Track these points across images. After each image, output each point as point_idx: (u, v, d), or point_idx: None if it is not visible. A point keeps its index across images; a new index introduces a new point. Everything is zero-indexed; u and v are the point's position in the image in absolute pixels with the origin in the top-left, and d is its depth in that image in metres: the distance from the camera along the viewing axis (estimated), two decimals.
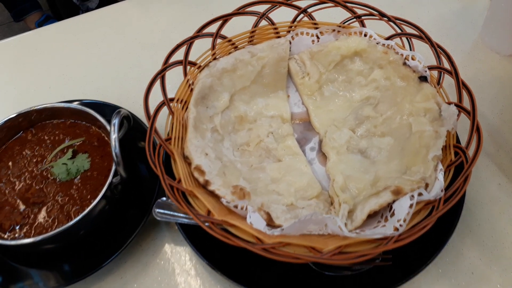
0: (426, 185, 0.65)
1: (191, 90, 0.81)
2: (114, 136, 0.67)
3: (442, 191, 0.62)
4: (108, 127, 0.77)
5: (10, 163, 0.80)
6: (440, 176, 0.64)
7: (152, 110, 0.71)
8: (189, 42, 0.81)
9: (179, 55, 0.79)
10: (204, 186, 0.70)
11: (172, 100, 0.77)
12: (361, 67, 0.85)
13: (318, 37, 0.88)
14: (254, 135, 0.83)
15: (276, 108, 0.87)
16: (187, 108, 0.79)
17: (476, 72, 0.87)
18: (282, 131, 0.83)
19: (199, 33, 0.82)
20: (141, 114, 0.82)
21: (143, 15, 1.18)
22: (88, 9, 1.64)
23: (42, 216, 0.73)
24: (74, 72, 1.05)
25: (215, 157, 0.74)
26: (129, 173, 0.71)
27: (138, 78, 1.03)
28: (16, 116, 0.81)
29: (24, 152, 0.81)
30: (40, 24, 1.95)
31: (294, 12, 0.88)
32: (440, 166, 0.66)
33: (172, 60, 0.78)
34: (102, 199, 0.70)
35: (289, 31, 0.89)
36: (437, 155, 0.67)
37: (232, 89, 0.84)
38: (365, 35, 0.85)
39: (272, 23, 0.88)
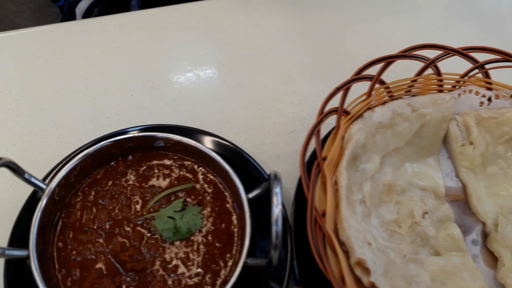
0: None
1: (341, 146, 0.63)
2: (277, 211, 0.48)
3: None
4: (236, 180, 0.59)
5: (97, 203, 0.61)
6: None
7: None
8: (346, 87, 0.63)
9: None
10: None
11: (324, 159, 0.60)
12: None
13: (489, 99, 0.71)
14: (404, 212, 0.66)
15: (428, 178, 0.70)
16: (335, 169, 0.62)
17: None
18: (439, 212, 0.67)
19: (358, 76, 0.65)
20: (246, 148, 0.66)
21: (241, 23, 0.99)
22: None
23: None
24: (161, 82, 0.86)
25: (377, 247, 0.57)
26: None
27: (243, 103, 0.84)
28: (109, 144, 0.62)
29: (115, 190, 0.62)
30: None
31: (465, 64, 0.71)
32: None
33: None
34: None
35: (454, 86, 0.72)
36: None
37: (384, 149, 0.67)
38: None
39: (439, 73, 0.71)
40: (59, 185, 0.58)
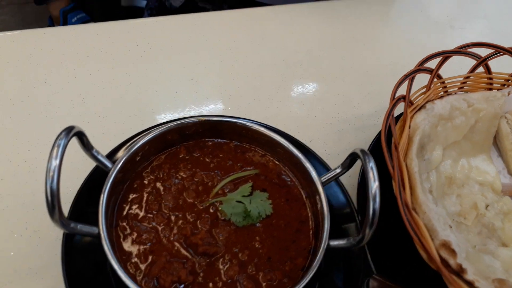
0: None
1: (408, 135, 0.63)
2: (375, 186, 0.47)
3: None
4: (307, 165, 0.58)
5: (160, 187, 0.58)
6: None
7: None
8: (412, 76, 0.64)
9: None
10: (458, 272, 0.51)
11: (396, 146, 0.59)
12: None
13: None
14: (467, 205, 0.65)
15: (484, 174, 0.70)
16: (405, 156, 0.61)
17: None
18: (502, 206, 0.66)
19: (420, 67, 0.66)
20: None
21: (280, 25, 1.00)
22: (171, 6, 1.45)
23: (215, 275, 0.51)
24: (204, 81, 0.85)
25: (456, 231, 0.56)
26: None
27: (285, 99, 0.84)
28: (168, 128, 0.60)
29: (178, 175, 0.60)
30: (65, 13, 1.72)
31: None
32: None
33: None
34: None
35: (503, 85, 0.74)
36: None
37: (445, 142, 0.67)
38: None
39: (489, 71, 0.73)
40: (123, 165, 0.55)
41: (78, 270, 0.53)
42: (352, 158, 0.54)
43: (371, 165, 0.48)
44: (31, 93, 0.77)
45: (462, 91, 0.72)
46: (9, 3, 2.99)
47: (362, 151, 0.51)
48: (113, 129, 0.74)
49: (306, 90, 0.86)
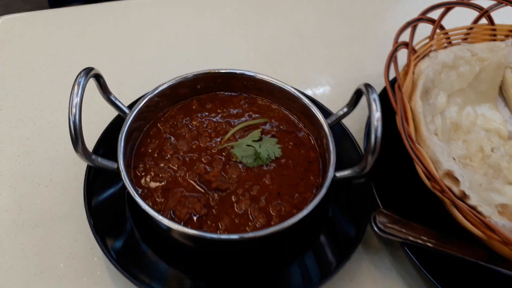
0: None
1: (412, 81, 0.65)
2: (378, 115, 0.49)
3: None
4: (313, 109, 0.61)
5: (178, 135, 0.61)
6: None
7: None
8: (414, 24, 0.66)
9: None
10: (461, 199, 0.53)
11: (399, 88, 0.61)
12: None
13: None
14: (473, 149, 0.66)
15: (491, 121, 0.71)
16: (409, 99, 0.63)
17: None
18: (509, 148, 0.67)
19: (422, 16, 0.68)
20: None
21: None
22: None
23: (228, 207, 0.54)
24: (216, 48, 0.89)
25: (461, 165, 0.58)
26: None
27: (295, 61, 0.87)
28: (182, 79, 0.63)
29: (192, 124, 0.63)
30: None
31: None
32: None
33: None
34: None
35: (507, 36, 0.75)
36: None
37: (450, 89, 0.69)
38: None
39: (492, 23, 0.74)
40: (140, 112, 0.59)
41: (99, 212, 0.56)
42: (357, 95, 0.56)
43: (374, 96, 0.50)
44: (52, 64, 0.82)
45: (465, 43, 0.74)
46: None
47: (366, 84, 0.53)
48: (130, 93, 0.78)
49: (316, 56, 0.89)
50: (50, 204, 0.63)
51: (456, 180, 0.53)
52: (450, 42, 0.72)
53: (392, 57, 0.59)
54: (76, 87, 0.48)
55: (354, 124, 0.71)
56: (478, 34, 0.74)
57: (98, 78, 0.54)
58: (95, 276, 0.56)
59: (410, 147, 0.51)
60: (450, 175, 0.54)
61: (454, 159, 0.56)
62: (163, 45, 0.88)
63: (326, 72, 0.86)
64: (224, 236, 0.48)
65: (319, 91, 0.81)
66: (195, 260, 0.54)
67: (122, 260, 0.52)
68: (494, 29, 0.75)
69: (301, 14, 1.00)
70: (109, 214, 0.57)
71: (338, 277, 0.58)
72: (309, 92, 0.80)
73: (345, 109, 0.59)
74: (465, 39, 0.74)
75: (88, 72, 0.50)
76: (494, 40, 0.75)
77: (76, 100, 0.48)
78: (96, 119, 0.70)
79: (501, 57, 0.73)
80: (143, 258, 0.53)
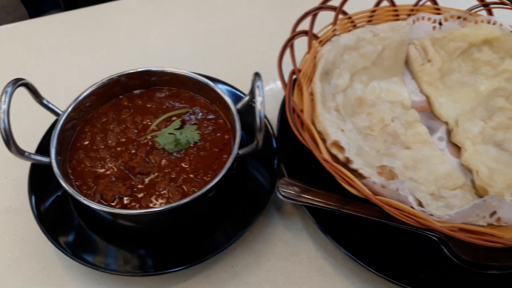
0: None
1: (313, 64, 0.73)
2: (260, 99, 0.57)
3: None
4: (225, 97, 0.69)
5: (107, 130, 0.70)
6: None
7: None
8: (313, 13, 0.74)
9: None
10: (345, 164, 0.61)
11: (299, 71, 0.69)
12: (490, 56, 0.79)
13: (440, 23, 0.82)
14: (376, 120, 0.75)
15: (395, 94, 0.79)
16: (309, 81, 0.71)
17: None
18: (407, 117, 0.76)
19: (323, 5, 0.76)
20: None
21: None
22: None
23: (149, 188, 0.63)
24: (157, 48, 0.97)
25: (349, 137, 0.66)
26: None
27: (231, 54, 0.95)
28: (112, 79, 0.71)
29: (120, 119, 0.72)
30: None
31: None
32: None
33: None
34: (224, 175, 0.61)
35: (409, 15, 0.83)
36: None
37: (353, 68, 0.77)
38: (494, 24, 0.79)
39: (393, 4, 0.82)
40: (72, 111, 0.67)
41: (42, 202, 0.65)
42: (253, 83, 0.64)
43: (258, 83, 0.59)
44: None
45: (370, 25, 0.81)
46: (10, 23, 3.21)
47: (255, 73, 0.61)
48: None
49: (246, 49, 0.97)
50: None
51: (341, 148, 0.62)
52: (355, 26, 0.80)
53: (288, 45, 0.67)
54: (3, 95, 0.57)
55: (276, 106, 0.79)
56: (382, 16, 0.82)
57: (28, 87, 0.62)
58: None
59: (294, 126, 0.59)
60: (336, 144, 0.62)
61: (342, 130, 0.65)
62: (106, 49, 0.97)
63: (253, 63, 0.93)
64: (134, 211, 0.57)
65: (245, 80, 0.89)
66: (125, 233, 0.64)
67: (55, 235, 0.61)
68: (396, 10, 0.82)
69: (233, 10, 1.07)
70: (54, 205, 0.66)
71: (254, 239, 0.67)
72: (236, 82, 0.88)
73: (248, 97, 0.67)
74: (370, 21, 0.82)
75: (16, 82, 0.59)
76: (397, 19, 0.83)
77: (4, 107, 0.56)
78: (47, 122, 0.78)
79: (402, 34, 0.80)
80: (91, 243, 0.63)
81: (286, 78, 0.67)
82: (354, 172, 0.60)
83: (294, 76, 0.68)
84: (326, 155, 0.61)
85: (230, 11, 1.09)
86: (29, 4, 1.94)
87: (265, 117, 0.75)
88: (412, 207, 0.54)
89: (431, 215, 0.56)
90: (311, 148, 0.58)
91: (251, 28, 1.03)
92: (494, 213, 0.56)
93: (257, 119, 0.58)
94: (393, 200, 0.56)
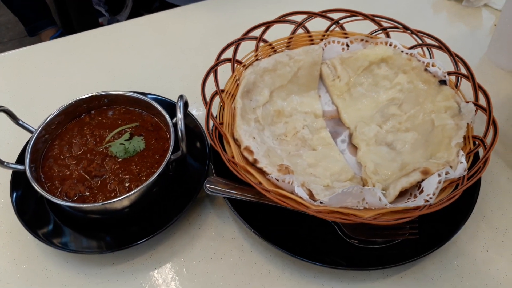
0: (450, 168, 0.75)
1: (237, 85, 0.91)
2: (180, 116, 0.76)
3: (465, 171, 0.72)
4: (164, 113, 0.87)
5: (72, 142, 0.88)
6: (463, 159, 0.74)
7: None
8: (236, 43, 0.92)
9: (227, 55, 0.89)
10: (253, 164, 0.79)
11: (222, 91, 0.87)
12: (386, 72, 0.96)
13: (348, 45, 1.00)
14: (290, 127, 0.93)
15: (309, 105, 0.97)
16: (234, 99, 0.89)
17: (483, 84, 0.98)
18: (316, 124, 0.93)
19: (245, 36, 0.93)
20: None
21: (181, 24, 1.29)
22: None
23: (103, 187, 0.81)
24: (121, 72, 1.15)
25: (260, 141, 0.84)
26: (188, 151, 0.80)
27: (181, 77, 1.13)
28: (76, 101, 0.89)
29: (83, 133, 0.89)
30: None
31: (327, 23, 1.00)
32: (462, 152, 0.76)
33: (222, 58, 0.89)
34: (160, 174, 0.78)
35: (322, 39, 1.01)
36: (459, 142, 0.77)
37: (272, 86, 0.95)
38: (390, 45, 0.97)
39: (308, 32, 1.00)
40: (44, 129, 0.85)
41: (22, 200, 0.83)
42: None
43: (180, 104, 0.77)
44: None
45: (289, 49, 0.99)
46: (10, 39, 3.44)
47: (180, 96, 0.79)
48: None
49: (194, 67, 1.15)
50: None
51: (251, 152, 0.80)
52: (275, 51, 0.98)
53: (211, 71, 0.85)
54: None
55: None
56: (299, 41, 1.00)
57: (7, 112, 0.80)
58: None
59: (209, 135, 0.77)
60: (247, 149, 0.80)
61: (254, 138, 0.83)
62: (78, 75, 1.15)
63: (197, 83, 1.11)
64: (90, 205, 0.75)
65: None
66: (86, 222, 0.82)
67: (33, 227, 0.79)
68: (310, 36, 1.00)
69: (185, 31, 1.25)
70: (31, 203, 0.84)
71: (190, 225, 0.85)
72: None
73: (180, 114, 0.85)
74: (288, 46, 0.99)
75: None
76: (312, 43, 1.00)
77: None
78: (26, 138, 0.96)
79: (315, 56, 0.98)
80: (61, 231, 0.80)
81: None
82: (260, 170, 0.78)
83: (217, 96, 0.86)
84: (238, 157, 0.79)
85: (182, 37, 1.27)
86: (27, 22, 2.12)
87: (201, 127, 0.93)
88: (293, 194, 0.71)
89: (316, 201, 0.73)
90: (219, 150, 0.76)
91: (200, 54, 1.21)
92: (364, 199, 0.73)
93: (179, 132, 0.76)
94: (287, 191, 0.74)
